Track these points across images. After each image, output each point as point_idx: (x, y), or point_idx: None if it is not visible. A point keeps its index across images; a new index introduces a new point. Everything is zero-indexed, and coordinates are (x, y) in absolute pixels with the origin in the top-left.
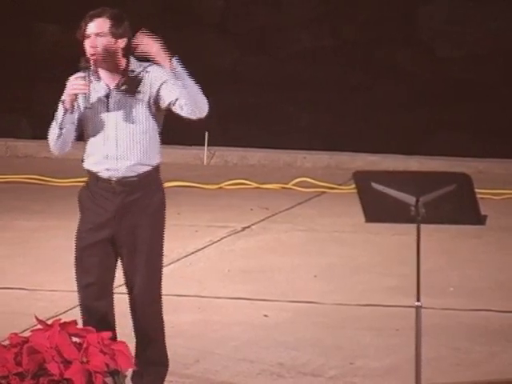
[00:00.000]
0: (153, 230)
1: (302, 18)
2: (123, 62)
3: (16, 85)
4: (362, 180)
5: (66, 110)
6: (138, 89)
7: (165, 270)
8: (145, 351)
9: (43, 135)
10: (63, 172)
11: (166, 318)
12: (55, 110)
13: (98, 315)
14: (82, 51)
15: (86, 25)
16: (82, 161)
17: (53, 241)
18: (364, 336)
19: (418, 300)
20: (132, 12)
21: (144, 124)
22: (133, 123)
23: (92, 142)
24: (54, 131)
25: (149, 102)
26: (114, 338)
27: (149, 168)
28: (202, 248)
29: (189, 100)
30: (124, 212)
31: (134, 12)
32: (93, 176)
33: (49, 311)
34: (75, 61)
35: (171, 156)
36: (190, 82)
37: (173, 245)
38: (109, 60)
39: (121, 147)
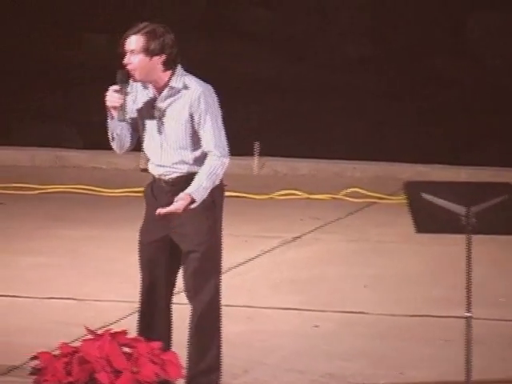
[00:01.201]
0: (197, 229)
1: (345, 27)
2: (164, 75)
3: (66, 95)
4: (413, 190)
5: (111, 118)
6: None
7: None
8: (199, 358)
9: (92, 145)
10: (111, 182)
11: None
12: (104, 118)
13: (150, 315)
14: (122, 64)
15: (123, 41)
16: None
17: (100, 250)
18: (413, 346)
19: (469, 310)
20: (175, 22)
21: (186, 138)
22: (177, 132)
23: (144, 145)
24: (108, 135)
25: (187, 119)
26: (166, 340)
27: (195, 172)
28: (252, 258)
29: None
30: None
31: (177, 22)
32: (152, 174)
33: (97, 321)
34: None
35: None
36: (209, 182)
37: (222, 255)
38: (143, 76)
39: (164, 156)
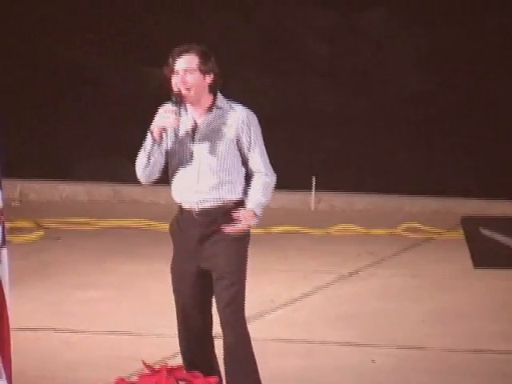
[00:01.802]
0: (229, 259)
1: (404, 59)
2: (210, 97)
3: (123, 128)
4: (471, 226)
5: (154, 141)
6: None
7: (272, 315)
8: None
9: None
10: (169, 216)
11: (273, 362)
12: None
13: (186, 349)
14: (169, 86)
15: (173, 61)
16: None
17: (158, 284)
18: (472, 381)
19: None
20: (236, 56)
21: (227, 160)
22: (216, 158)
23: (176, 174)
24: (141, 160)
25: (232, 140)
26: (206, 370)
27: (230, 202)
28: (309, 293)
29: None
30: (204, 242)
31: (238, 56)
32: (178, 207)
33: (155, 356)
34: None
35: (278, 201)
36: (265, 198)
37: (280, 290)
38: (197, 95)
39: (202, 181)
